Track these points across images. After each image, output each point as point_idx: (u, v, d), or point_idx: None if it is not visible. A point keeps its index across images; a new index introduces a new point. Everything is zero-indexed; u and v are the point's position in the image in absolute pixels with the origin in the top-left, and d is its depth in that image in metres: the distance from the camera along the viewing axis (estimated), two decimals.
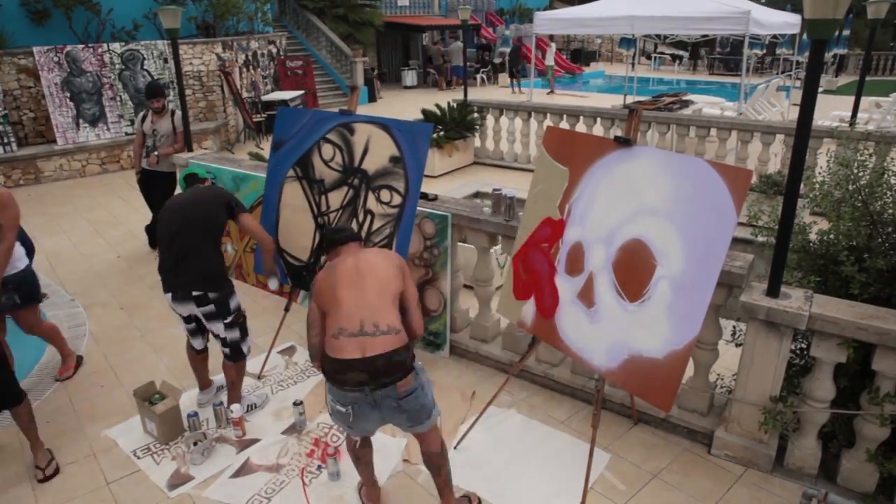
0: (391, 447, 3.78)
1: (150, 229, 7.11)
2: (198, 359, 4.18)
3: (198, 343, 4.08)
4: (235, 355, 3.92)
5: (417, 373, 2.84)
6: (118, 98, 11.38)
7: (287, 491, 3.47)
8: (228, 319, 3.82)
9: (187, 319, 3.91)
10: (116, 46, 11.34)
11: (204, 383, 4.32)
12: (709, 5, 10.43)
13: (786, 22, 12.00)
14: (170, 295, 3.77)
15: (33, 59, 10.43)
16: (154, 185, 6.78)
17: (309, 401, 4.27)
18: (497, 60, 25.24)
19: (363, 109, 16.04)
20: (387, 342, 2.71)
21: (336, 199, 4.22)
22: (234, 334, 3.87)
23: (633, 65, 19.16)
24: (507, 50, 25.62)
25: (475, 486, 3.48)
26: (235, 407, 3.95)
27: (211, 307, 3.75)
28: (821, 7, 2.84)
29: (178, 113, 6.73)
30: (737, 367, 3.54)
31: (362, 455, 3.19)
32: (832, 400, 3.32)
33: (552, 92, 20.33)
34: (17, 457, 3.78)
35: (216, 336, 3.91)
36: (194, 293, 3.70)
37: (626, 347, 3.03)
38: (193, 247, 3.71)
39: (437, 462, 3.06)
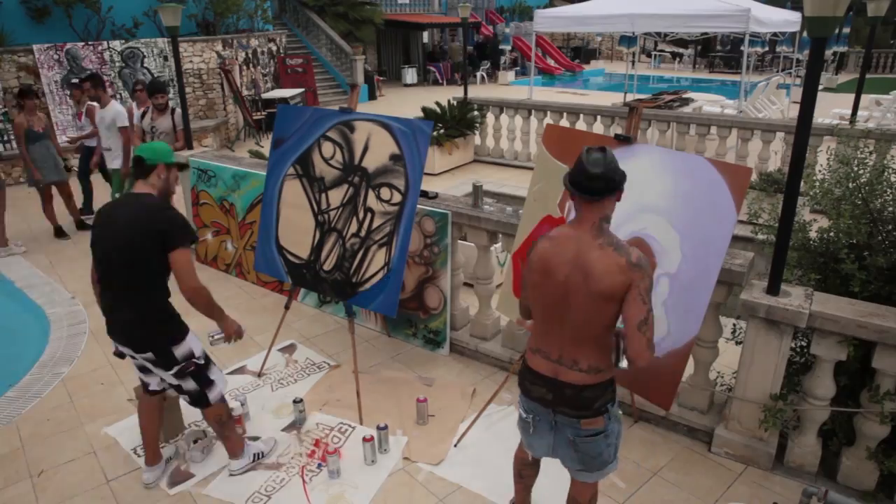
0: (391, 446, 3.78)
1: None
2: (149, 403, 3.43)
3: (150, 382, 3.36)
4: (199, 403, 3.35)
5: (610, 418, 2.50)
6: (118, 96, 11.37)
7: (287, 489, 3.47)
8: (173, 370, 3.19)
9: (131, 356, 3.25)
10: (116, 44, 11.34)
11: (151, 454, 3.50)
12: (709, 3, 10.41)
13: (786, 20, 11.99)
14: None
15: (33, 57, 10.42)
16: None
17: (309, 398, 4.27)
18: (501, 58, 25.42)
19: (363, 107, 16.04)
20: (583, 378, 2.40)
21: (336, 196, 4.22)
22: (189, 384, 3.26)
23: (633, 63, 19.15)
24: (509, 47, 25.77)
25: (475, 483, 3.48)
26: (234, 464, 3.52)
27: (150, 355, 3.14)
28: (821, 5, 2.84)
29: (179, 110, 6.74)
30: (737, 364, 3.54)
31: (526, 474, 3.01)
32: (832, 398, 3.32)
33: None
34: (17, 456, 3.78)
35: (168, 383, 3.32)
36: (128, 338, 3.14)
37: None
38: (120, 288, 3.08)
39: None
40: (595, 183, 2.26)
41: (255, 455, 3.62)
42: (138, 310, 3.08)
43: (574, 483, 2.76)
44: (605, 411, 2.45)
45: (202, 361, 3.30)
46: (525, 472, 3.00)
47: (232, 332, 3.37)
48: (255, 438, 3.85)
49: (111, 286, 3.11)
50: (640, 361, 2.27)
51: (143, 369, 3.31)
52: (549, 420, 2.52)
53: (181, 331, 3.21)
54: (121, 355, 3.31)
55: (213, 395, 3.34)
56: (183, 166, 3.41)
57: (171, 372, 3.19)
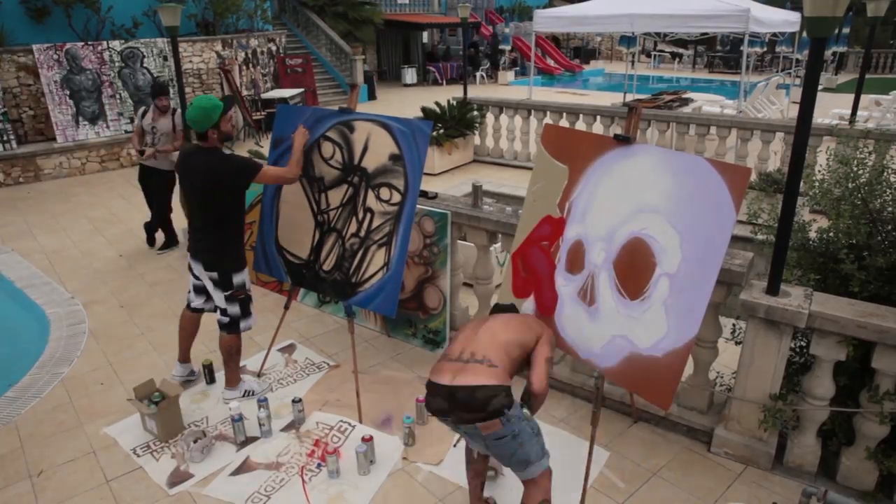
0: (391, 446, 3.78)
1: (148, 227, 7.11)
2: (189, 318, 4.31)
3: (195, 300, 4.22)
4: (230, 328, 4.05)
5: (510, 421, 2.54)
6: (118, 96, 11.37)
7: (287, 489, 3.47)
8: (228, 293, 3.97)
9: (195, 276, 4.11)
10: (116, 44, 11.33)
11: (183, 355, 4.44)
12: (709, 3, 10.42)
13: (785, 20, 11.99)
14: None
15: (33, 57, 10.41)
16: (152, 183, 6.80)
17: (308, 398, 4.27)
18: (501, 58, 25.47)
19: (363, 107, 16.04)
20: (477, 372, 2.53)
21: (336, 196, 4.22)
22: (234, 308, 4.01)
23: (632, 63, 19.15)
24: (508, 47, 25.81)
25: None
26: (228, 394, 4.12)
27: (214, 275, 3.95)
28: (821, 5, 2.84)
29: (179, 111, 6.75)
30: (736, 364, 3.54)
31: (475, 465, 3.08)
32: (832, 398, 3.32)
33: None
34: (16, 456, 3.78)
35: (217, 305, 4.07)
36: (203, 259, 3.96)
37: (626, 345, 3.03)
38: (201, 216, 3.91)
39: None
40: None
41: (246, 391, 4.23)
42: (213, 240, 3.90)
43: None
44: (500, 414, 2.51)
45: (251, 293, 4.10)
46: (474, 463, 3.08)
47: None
48: (255, 438, 3.85)
49: (197, 215, 3.96)
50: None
51: (196, 288, 4.17)
52: (457, 428, 2.70)
53: (241, 263, 4.00)
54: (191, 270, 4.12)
55: (244, 325, 4.08)
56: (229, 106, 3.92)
57: (226, 293, 3.96)
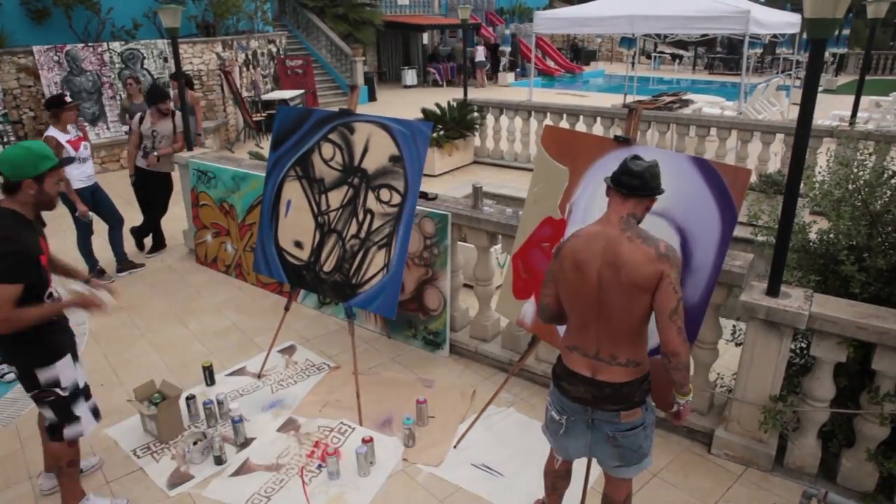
0: (391, 447, 3.78)
1: (137, 231, 7.09)
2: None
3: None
4: (51, 433, 3.09)
5: (648, 409, 2.54)
6: (118, 97, 11.37)
7: (287, 490, 3.47)
8: (31, 393, 3.01)
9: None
10: (116, 45, 11.34)
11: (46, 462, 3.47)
12: (709, 5, 10.42)
13: (785, 21, 12.00)
14: None
15: (33, 59, 10.42)
16: (152, 185, 6.80)
17: (308, 400, 4.27)
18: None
19: (363, 109, 16.04)
20: (621, 373, 2.43)
21: (336, 198, 4.22)
22: (48, 413, 3.04)
23: (632, 64, 19.16)
24: (508, 49, 25.85)
25: (475, 485, 3.48)
26: None
27: (14, 368, 3.00)
28: (821, 6, 2.84)
29: (178, 113, 6.75)
30: (737, 366, 3.54)
31: (561, 486, 2.97)
32: (832, 399, 3.32)
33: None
34: (17, 457, 3.78)
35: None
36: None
37: None
38: None
39: None
40: (631, 179, 2.37)
41: None
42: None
43: (610, 481, 2.75)
44: (642, 402, 2.49)
45: (66, 394, 3.01)
46: (559, 483, 2.96)
47: (84, 303, 3.02)
48: (253, 440, 3.84)
49: None
50: (676, 349, 2.29)
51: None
52: (584, 419, 2.52)
53: (49, 355, 2.95)
54: None
55: (69, 433, 3.06)
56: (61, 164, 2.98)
57: (30, 394, 2.99)
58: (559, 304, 2.60)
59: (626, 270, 2.30)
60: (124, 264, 6.52)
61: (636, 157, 2.43)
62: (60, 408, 3.03)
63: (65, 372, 3.01)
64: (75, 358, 3.11)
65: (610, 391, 2.43)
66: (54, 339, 2.99)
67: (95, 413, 3.24)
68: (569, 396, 2.53)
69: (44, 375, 2.95)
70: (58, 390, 2.99)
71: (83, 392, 3.15)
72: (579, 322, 2.50)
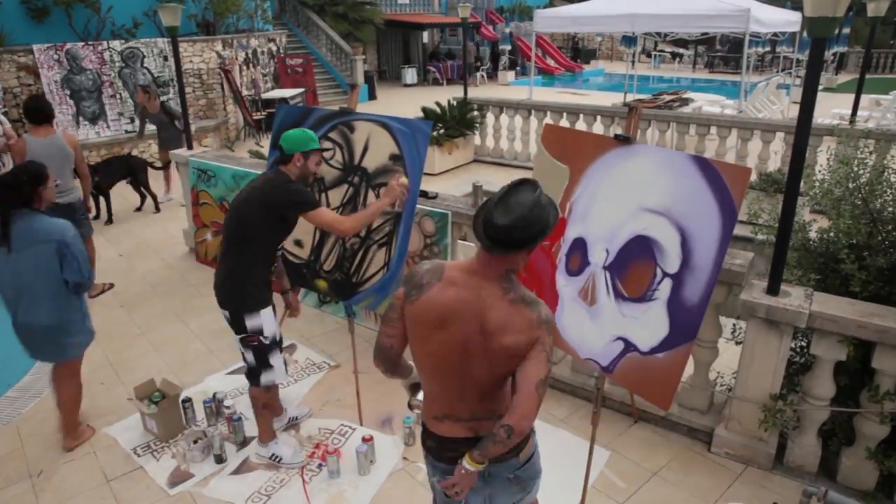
0: (391, 446, 3.78)
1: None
2: None
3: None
4: (250, 377, 3.53)
5: (533, 434, 2.29)
6: (118, 96, 11.37)
7: (287, 488, 3.47)
8: (240, 336, 3.42)
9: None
10: (116, 44, 11.33)
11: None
12: (709, 3, 10.42)
13: (786, 20, 11.99)
14: None
15: (33, 57, 10.41)
16: None
17: (309, 399, 4.27)
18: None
19: (363, 107, 16.04)
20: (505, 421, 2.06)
21: (336, 196, 4.22)
22: (249, 356, 3.45)
23: (633, 63, 19.15)
24: (508, 48, 25.84)
25: None
26: (259, 448, 3.67)
27: (226, 313, 3.42)
28: (821, 5, 2.84)
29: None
30: (737, 365, 3.54)
31: None
32: (832, 398, 3.32)
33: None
34: (17, 456, 3.78)
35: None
36: (217, 292, 3.43)
37: (627, 346, 3.03)
38: (228, 241, 3.36)
39: None
40: (498, 235, 1.93)
41: (274, 454, 3.67)
42: (229, 275, 3.34)
43: None
44: (532, 433, 2.25)
45: (267, 342, 3.42)
46: None
47: (395, 194, 3.56)
48: (253, 438, 3.85)
49: (223, 245, 3.42)
50: (526, 423, 2.01)
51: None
52: (479, 476, 2.18)
53: (257, 305, 3.36)
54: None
55: (264, 379, 3.49)
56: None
57: (239, 336, 3.41)
58: (401, 347, 2.32)
59: (501, 337, 1.99)
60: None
61: (515, 189, 1.99)
62: (260, 354, 3.43)
63: (268, 322, 3.42)
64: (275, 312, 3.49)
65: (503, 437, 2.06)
66: (263, 291, 3.41)
67: (286, 365, 3.65)
68: (452, 463, 2.18)
69: (251, 322, 3.35)
70: (261, 337, 3.40)
71: (279, 344, 3.52)
72: (439, 388, 2.22)
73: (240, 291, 3.33)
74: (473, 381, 2.10)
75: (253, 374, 3.49)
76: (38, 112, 5.32)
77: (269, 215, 3.28)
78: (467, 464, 2.09)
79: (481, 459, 2.08)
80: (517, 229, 1.92)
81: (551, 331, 2.04)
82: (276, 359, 3.48)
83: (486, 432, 2.09)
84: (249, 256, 3.32)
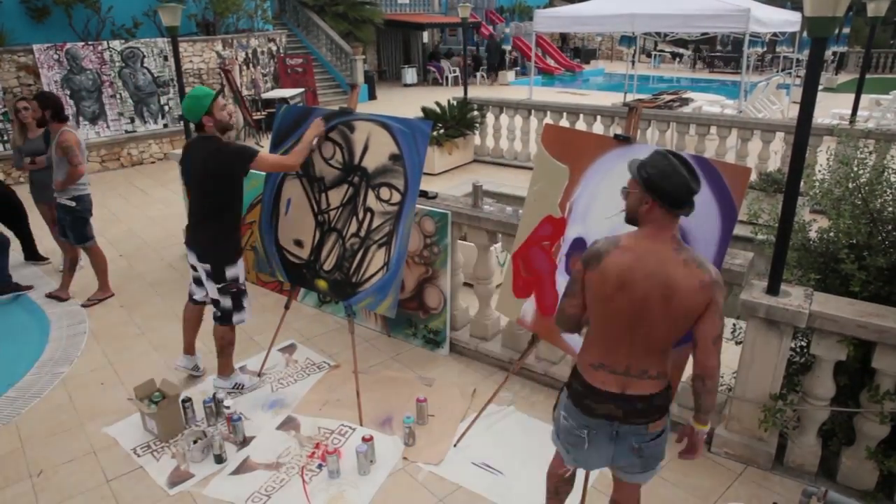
0: (391, 446, 3.78)
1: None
2: (192, 311, 4.39)
3: (196, 292, 4.28)
4: (222, 320, 4.11)
5: (669, 414, 2.48)
6: (118, 96, 11.37)
7: (287, 488, 3.47)
8: (220, 285, 4.01)
9: (193, 267, 4.15)
10: (116, 44, 11.34)
11: (187, 347, 4.50)
12: (709, 3, 10.42)
13: (786, 20, 11.99)
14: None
15: (33, 57, 10.42)
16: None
17: (309, 398, 4.27)
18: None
19: (363, 107, 16.03)
20: (652, 386, 2.35)
21: (336, 196, 4.22)
22: (227, 301, 4.06)
23: (633, 63, 19.15)
24: (509, 47, 25.81)
25: (475, 483, 3.48)
26: (220, 382, 4.27)
27: (207, 266, 3.99)
28: (821, 5, 2.84)
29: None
30: (736, 365, 3.54)
31: (563, 491, 2.88)
32: (832, 398, 3.32)
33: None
34: (16, 456, 3.78)
35: (211, 297, 4.10)
36: (197, 250, 4.03)
37: None
38: (198, 207, 3.97)
39: None
40: (689, 196, 2.22)
41: (236, 384, 4.33)
42: (209, 232, 3.96)
43: (622, 488, 2.69)
44: (667, 411, 2.44)
45: (244, 287, 4.12)
46: (562, 488, 2.88)
47: (319, 131, 4.10)
48: (252, 438, 3.85)
49: (194, 206, 4.02)
50: (714, 373, 2.25)
51: (195, 279, 4.21)
52: (609, 432, 2.42)
53: (235, 256, 4.02)
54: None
55: (236, 318, 4.12)
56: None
57: (219, 286, 4.00)
58: (583, 313, 2.47)
59: (680, 297, 2.17)
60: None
61: (684, 165, 2.23)
62: (237, 298, 4.08)
63: (241, 271, 4.09)
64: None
65: (642, 405, 2.35)
66: (238, 244, 4.07)
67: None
68: (594, 415, 2.42)
69: (230, 272, 4.01)
70: (239, 283, 4.07)
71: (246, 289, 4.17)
72: (609, 340, 2.37)
73: (224, 250, 3.98)
74: (644, 337, 2.29)
75: (226, 316, 4.10)
76: (63, 109, 5.88)
77: (227, 182, 3.88)
78: (696, 426, 2.43)
79: (704, 419, 2.39)
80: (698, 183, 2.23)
81: (723, 288, 2.24)
82: (246, 300, 4.15)
83: (632, 391, 2.34)
84: (227, 221, 3.97)
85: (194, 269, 4.16)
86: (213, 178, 3.84)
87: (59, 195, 5.50)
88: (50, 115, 5.60)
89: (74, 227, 5.59)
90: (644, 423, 2.38)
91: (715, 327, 2.21)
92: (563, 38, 30.53)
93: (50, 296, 5.86)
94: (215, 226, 3.94)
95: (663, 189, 2.20)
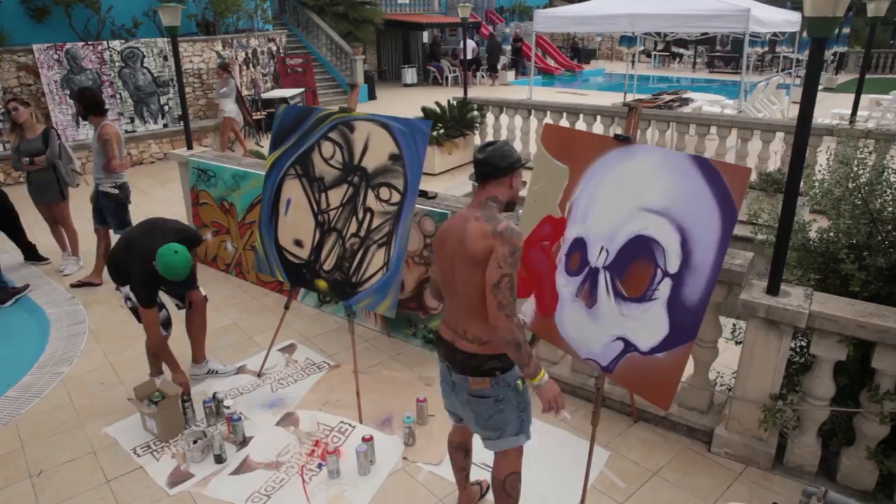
0: (391, 446, 3.78)
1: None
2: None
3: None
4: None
5: (499, 384, 2.65)
6: (118, 96, 11.37)
7: (287, 488, 3.47)
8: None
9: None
10: (116, 44, 11.34)
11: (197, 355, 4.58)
12: (709, 3, 10.41)
13: (786, 20, 11.99)
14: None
15: (33, 57, 10.42)
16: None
17: (308, 398, 4.27)
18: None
19: (363, 107, 16.04)
20: (470, 347, 2.62)
21: (336, 196, 4.22)
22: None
23: (632, 63, 19.14)
24: (508, 47, 25.78)
25: None
26: (191, 373, 4.46)
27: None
28: (821, 5, 2.84)
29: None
30: (736, 364, 3.54)
31: (453, 454, 3.15)
32: (832, 398, 3.32)
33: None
34: (17, 456, 3.78)
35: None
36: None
37: (627, 346, 3.03)
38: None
39: (495, 492, 2.92)
40: (481, 167, 2.57)
41: (210, 370, 4.55)
42: None
43: (466, 432, 3.04)
44: (491, 375, 2.62)
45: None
46: (455, 455, 3.15)
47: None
48: (251, 437, 3.85)
49: None
50: (494, 323, 2.43)
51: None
52: (449, 381, 2.78)
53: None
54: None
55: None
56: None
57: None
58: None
59: (467, 246, 2.48)
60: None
61: (486, 146, 2.60)
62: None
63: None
64: None
65: (460, 357, 2.65)
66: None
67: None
68: (439, 359, 2.81)
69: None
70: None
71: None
72: (447, 299, 2.76)
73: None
74: (457, 293, 2.63)
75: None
76: (102, 104, 6.13)
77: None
78: (529, 381, 2.60)
79: (526, 373, 2.54)
80: (492, 159, 2.54)
81: (508, 241, 2.42)
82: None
83: (457, 345, 2.65)
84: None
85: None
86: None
87: (101, 183, 5.91)
88: (84, 108, 5.91)
89: (116, 213, 5.98)
90: (464, 374, 2.65)
91: (493, 274, 2.41)
92: (571, 40, 30.52)
93: (81, 283, 6.09)
94: None
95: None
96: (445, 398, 2.94)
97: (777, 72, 20.55)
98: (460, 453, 3.14)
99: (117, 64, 11.29)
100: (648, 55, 30.51)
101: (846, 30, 25.67)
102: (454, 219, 2.66)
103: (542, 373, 2.51)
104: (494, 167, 2.55)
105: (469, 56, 23.49)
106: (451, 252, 2.59)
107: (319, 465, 3.62)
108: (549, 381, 2.55)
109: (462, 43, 15.08)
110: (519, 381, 2.71)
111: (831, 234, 3.60)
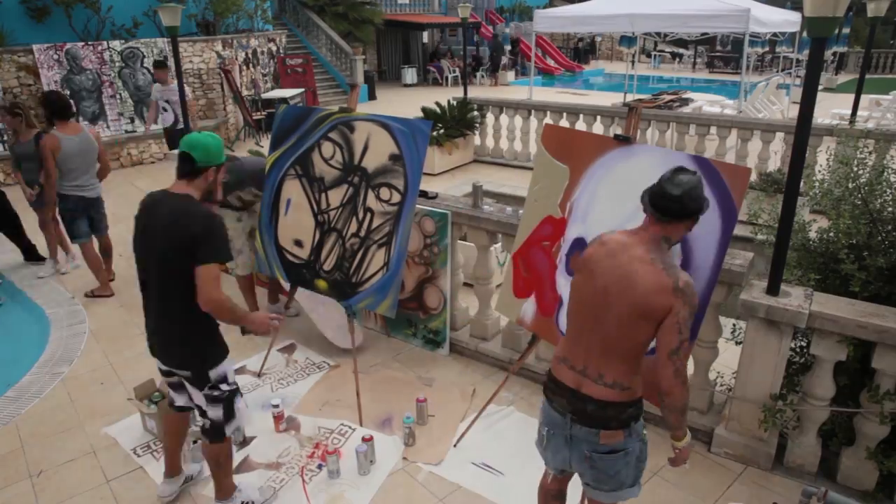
0: (391, 446, 3.78)
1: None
2: (174, 420, 3.27)
3: (178, 398, 3.16)
4: (214, 435, 3.04)
5: (631, 434, 2.35)
6: (118, 96, 11.37)
7: (287, 489, 3.47)
8: (205, 390, 2.97)
9: (166, 373, 3.11)
10: (116, 44, 11.34)
11: (170, 467, 3.36)
12: (709, 3, 10.41)
13: (786, 20, 11.99)
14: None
15: (33, 57, 10.43)
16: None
17: (308, 399, 4.27)
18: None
19: (363, 107, 16.04)
20: (607, 393, 2.29)
21: (336, 196, 4.22)
22: (215, 412, 2.99)
23: (632, 63, 19.15)
24: (509, 48, 25.80)
25: (475, 483, 3.48)
26: None
27: (186, 373, 2.99)
28: (821, 5, 2.84)
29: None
30: (736, 365, 3.54)
31: (550, 488, 2.83)
32: (832, 398, 3.32)
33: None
34: (16, 456, 3.78)
35: (195, 404, 3.08)
36: (166, 357, 3.05)
37: None
38: (162, 295, 2.89)
39: None
40: (669, 204, 2.20)
41: (243, 503, 3.26)
42: (179, 329, 2.92)
43: (590, 500, 2.65)
44: (626, 427, 2.33)
45: (234, 386, 3.06)
46: (547, 499, 2.86)
47: (261, 329, 3.24)
48: (253, 438, 3.84)
49: (153, 292, 2.91)
50: (668, 389, 2.19)
51: (173, 385, 3.14)
52: (564, 434, 2.40)
53: (221, 353, 3.02)
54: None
55: (230, 429, 3.07)
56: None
57: (204, 392, 2.97)
58: None
59: (636, 294, 2.16)
60: None
61: (679, 171, 2.24)
62: (228, 404, 3.01)
63: (230, 366, 3.06)
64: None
65: (593, 408, 2.30)
66: (219, 336, 3.03)
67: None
68: (551, 406, 2.45)
69: (216, 372, 2.97)
70: (227, 384, 3.01)
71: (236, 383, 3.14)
72: (574, 332, 2.40)
73: (202, 349, 2.95)
74: (603, 335, 2.27)
75: (217, 432, 3.03)
76: (66, 108, 5.62)
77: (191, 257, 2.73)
78: (672, 442, 2.39)
79: (675, 435, 2.35)
80: (686, 199, 2.19)
81: (689, 302, 2.14)
82: (239, 401, 3.09)
83: (585, 391, 2.31)
84: (185, 302, 2.79)
85: (168, 374, 3.11)
86: (180, 253, 2.73)
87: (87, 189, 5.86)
88: (48, 114, 5.62)
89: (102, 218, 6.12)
90: (594, 427, 2.32)
91: (672, 339, 2.14)
92: (576, 40, 30.54)
93: (94, 294, 5.89)
94: (189, 319, 2.86)
95: (646, 193, 2.30)
96: (550, 454, 2.54)
97: (777, 72, 20.55)
98: (557, 501, 2.86)
99: (117, 64, 11.29)
100: (648, 55, 30.52)
101: (846, 30, 25.65)
102: (613, 245, 2.29)
103: (688, 434, 2.36)
104: (685, 207, 2.20)
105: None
106: (608, 289, 2.23)
107: (319, 466, 3.62)
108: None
109: (463, 42, 15.06)
110: (645, 432, 2.46)
111: (831, 234, 3.60)
